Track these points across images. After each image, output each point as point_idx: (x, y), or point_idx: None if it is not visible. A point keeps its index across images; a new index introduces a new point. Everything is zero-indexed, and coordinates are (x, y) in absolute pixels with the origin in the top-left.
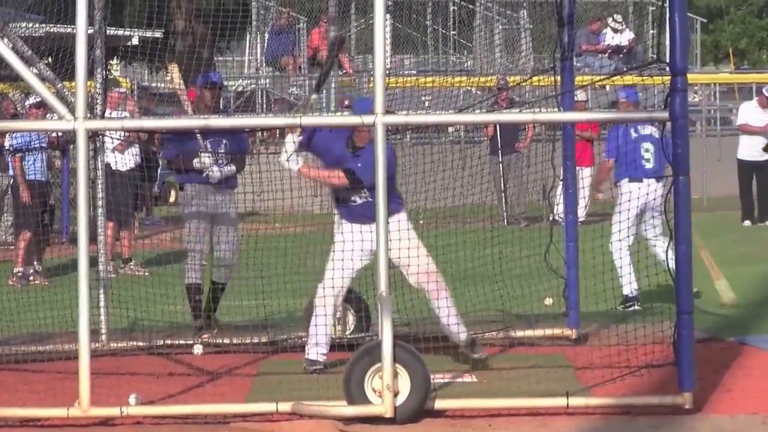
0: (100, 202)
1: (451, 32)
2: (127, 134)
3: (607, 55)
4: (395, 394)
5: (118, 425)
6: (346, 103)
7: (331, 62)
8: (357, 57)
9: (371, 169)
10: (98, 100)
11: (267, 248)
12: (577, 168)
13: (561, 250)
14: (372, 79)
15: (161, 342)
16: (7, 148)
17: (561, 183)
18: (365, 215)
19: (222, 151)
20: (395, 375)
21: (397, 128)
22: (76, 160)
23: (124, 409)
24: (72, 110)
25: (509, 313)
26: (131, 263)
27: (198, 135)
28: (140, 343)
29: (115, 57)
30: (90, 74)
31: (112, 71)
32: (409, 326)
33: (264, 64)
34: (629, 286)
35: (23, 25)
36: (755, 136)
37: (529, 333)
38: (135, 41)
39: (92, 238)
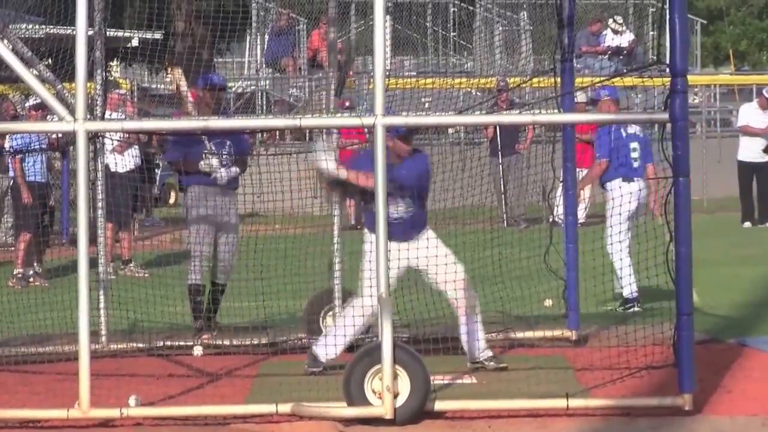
0: (100, 204)
1: (451, 34)
2: (126, 135)
3: (607, 56)
4: (395, 396)
5: (118, 426)
6: (347, 104)
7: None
8: (357, 58)
9: (413, 176)
10: (98, 102)
11: (267, 249)
12: (578, 170)
13: (561, 252)
14: (372, 80)
15: (161, 343)
16: (7, 149)
17: (561, 184)
18: (403, 233)
19: (226, 152)
20: (395, 376)
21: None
22: (76, 161)
23: (124, 411)
24: (72, 112)
25: (509, 315)
26: (131, 265)
27: (204, 137)
28: (140, 345)
29: (115, 58)
30: (90, 76)
31: (112, 73)
32: (409, 327)
33: (264, 66)
34: (629, 287)
35: (23, 26)
36: (755, 138)
37: (528, 334)
38: (135, 43)
39: (92, 240)
